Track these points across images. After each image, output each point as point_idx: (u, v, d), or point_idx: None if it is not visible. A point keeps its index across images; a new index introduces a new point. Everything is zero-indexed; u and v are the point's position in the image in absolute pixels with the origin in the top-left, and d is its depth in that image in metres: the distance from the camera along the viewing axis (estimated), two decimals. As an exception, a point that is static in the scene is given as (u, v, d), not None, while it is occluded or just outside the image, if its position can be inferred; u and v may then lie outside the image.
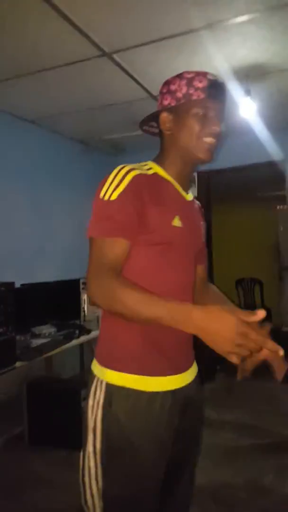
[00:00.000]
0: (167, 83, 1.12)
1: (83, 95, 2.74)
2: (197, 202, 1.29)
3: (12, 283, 2.03)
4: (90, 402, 1.01)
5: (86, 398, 1.05)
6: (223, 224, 5.13)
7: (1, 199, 2.87)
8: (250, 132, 3.30)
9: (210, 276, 3.92)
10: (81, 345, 3.12)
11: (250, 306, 6.07)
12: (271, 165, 3.67)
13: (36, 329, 2.62)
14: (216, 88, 1.07)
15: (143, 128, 1.22)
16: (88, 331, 2.74)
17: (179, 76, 1.09)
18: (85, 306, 2.96)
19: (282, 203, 4.25)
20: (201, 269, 1.27)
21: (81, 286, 3.01)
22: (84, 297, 2.97)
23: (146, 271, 1.02)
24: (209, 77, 1.06)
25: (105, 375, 1.00)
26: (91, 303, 0.98)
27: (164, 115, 1.10)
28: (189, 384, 1.08)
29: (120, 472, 0.96)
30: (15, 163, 3.02)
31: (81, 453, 1.02)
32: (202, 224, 1.26)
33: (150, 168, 1.11)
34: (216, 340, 0.81)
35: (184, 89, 1.07)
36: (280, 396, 3.34)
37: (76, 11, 1.81)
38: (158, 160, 1.14)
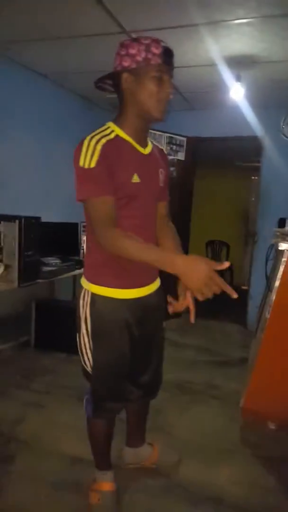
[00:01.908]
0: (124, 46, 1.26)
1: (97, 60, 3.12)
2: (161, 149, 1.53)
3: (39, 218, 2.56)
4: (81, 302, 1.45)
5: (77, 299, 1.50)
6: (201, 188, 5.58)
7: (16, 146, 3.26)
8: (236, 108, 3.81)
9: (186, 235, 4.53)
10: (74, 277, 3.71)
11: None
12: (251, 139, 4.21)
13: (45, 259, 3.17)
14: (169, 55, 1.25)
15: (98, 85, 1.40)
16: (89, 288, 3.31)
17: (136, 40, 1.23)
18: (84, 246, 3.52)
19: (257, 174, 4.73)
20: (162, 206, 1.54)
21: (81, 228, 3.56)
22: (83, 238, 3.51)
23: (118, 218, 1.30)
24: (163, 44, 1.23)
25: (91, 287, 1.42)
26: (105, 248, 1.30)
27: (126, 75, 1.27)
28: (149, 294, 1.47)
29: (102, 345, 1.44)
30: (27, 113, 3.36)
31: (77, 334, 1.49)
32: (161, 170, 1.45)
33: (112, 131, 1.32)
34: (191, 280, 1.09)
35: (143, 54, 1.22)
36: (232, 332, 4.20)
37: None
38: (118, 120, 1.34)
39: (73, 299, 3.92)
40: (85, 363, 1.51)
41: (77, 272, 3.19)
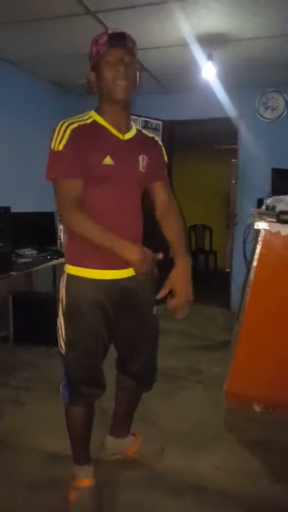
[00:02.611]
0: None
1: (64, 45, 3.02)
2: (151, 137, 1.55)
3: (9, 208, 2.46)
4: (60, 285, 1.49)
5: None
6: (182, 173, 5.54)
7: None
8: (210, 90, 3.73)
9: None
10: (54, 267, 3.62)
11: (201, 249, 6.76)
12: (226, 121, 4.15)
13: (20, 251, 3.07)
14: (116, 38, 1.32)
15: (87, 90, 1.50)
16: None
17: (92, 41, 1.36)
18: (61, 235, 3.43)
19: (235, 157, 4.75)
20: (158, 187, 1.56)
21: (57, 217, 3.46)
22: (60, 227, 3.42)
23: (91, 201, 1.38)
24: (109, 31, 1.34)
25: (67, 269, 1.47)
26: (65, 229, 1.46)
27: (91, 75, 1.40)
28: (129, 278, 1.45)
29: (74, 323, 1.45)
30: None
31: (57, 319, 1.51)
32: (143, 156, 1.47)
33: (90, 117, 1.41)
34: (140, 267, 1.36)
35: (94, 49, 1.35)
36: (216, 316, 4.18)
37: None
38: (97, 109, 1.44)
39: (53, 291, 3.84)
40: (60, 346, 1.51)
41: (55, 262, 3.11)
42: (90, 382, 1.51)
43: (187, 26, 2.65)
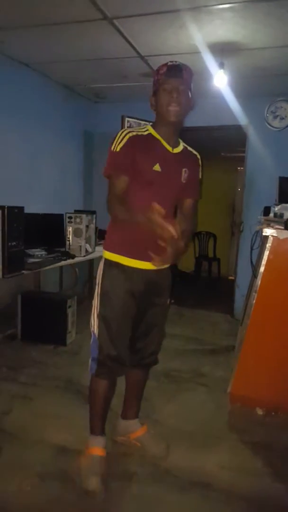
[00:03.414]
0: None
1: (79, 49, 3.09)
2: (194, 154, 1.79)
3: (22, 208, 2.51)
4: (98, 270, 1.73)
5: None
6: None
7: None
8: (221, 97, 3.80)
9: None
10: (61, 268, 3.68)
11: (204, 256, 6.79)
12: (235, 129, 4.21)
13: (30, 251, 3.12)
14: (174, 70, 1.59)
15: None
16: (73, 256, 3.28)
17: (155, 70, 1.64)
18: (70, 237, 3.48)
19: (242, 165, 4.77)
20: (187, 202, 1.80)
21: (66, 220, 3.51)
22: (69, 228, 3.47)
23: (138, 198, 1.60)
24: (169, 63, 1.60)
25: (104, 254, 1.72)
26: (111, 217, 1.68)
27: (151, 99, 1.67)
28: (152, 270, 1.66)
29: (107, 304, 1.68)
30: (8, 103, 3.29)
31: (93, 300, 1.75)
32: (186, 169, 1.72)
33: (146, 130, 1.67)
34: (168, 241, 1.39)
35: (155, 77, 1.63)
36: (219, 322, 4.21)
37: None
38: (153, 125, 1.70)
39: (60, 291, 3.89)
40: (91, 325, 1.73)
41: (63, 263, 3.16)
42: (116, 357, 1.69)
43: (200, 35, 2.72)
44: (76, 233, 3.28)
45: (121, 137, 1.59)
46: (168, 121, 1.62)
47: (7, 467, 1.78)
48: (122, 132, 1.61)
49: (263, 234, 2.23)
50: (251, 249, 2.57)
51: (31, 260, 2.99)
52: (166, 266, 1.76)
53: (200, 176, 1.82)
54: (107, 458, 1.76)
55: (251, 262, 2.57)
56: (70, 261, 3.22)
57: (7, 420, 2.14)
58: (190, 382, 2.73)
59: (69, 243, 3.49)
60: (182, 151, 1.73)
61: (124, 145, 1.57)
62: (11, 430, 2.05)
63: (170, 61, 1.61)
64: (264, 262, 2.22)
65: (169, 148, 1.67)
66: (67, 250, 3.42)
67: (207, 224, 6.84)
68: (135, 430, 1.96)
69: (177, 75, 1.59)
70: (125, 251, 1.66)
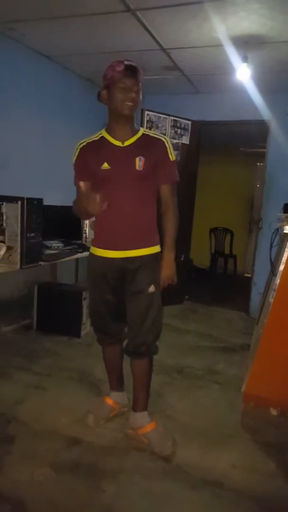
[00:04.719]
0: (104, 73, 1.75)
1: (101, 42, 3.07)
2: (157, 139, 1.82)
3: (41, 199, 2.52)
4: None
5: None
6: (205, 174, 5.52)
7: (17, 127, 3.23)
8: (241, 91, 3.73)
9: (189, 222, 4.49)
10: (77, 260, 3.69)
11: (220, 253, 6.73)
12: (256, 124, 4.13)
13: (47, 243, 3.14)
14: (130, 70, 1.69)
15: (98, 99, 1.84)
16: (89, 249, 3.28)
17: (109, 66, 1.73)
18: (87, 230, 3.48)
19: (262, 161, 4.68)
20: (162, 188, 1.86)
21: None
22: (86, 221, 3.48)
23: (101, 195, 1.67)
24: (126, 63, 1.69)
25: (90, 248, 1.95)
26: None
27: (103, 92, 1.77)
28: (119, 258, 1.82)
29: (90, 286, 2.02)
30: (31, 95, 3.32)
31: None
32: (140, 157, 1.77)
33: (100, 134, 1.84)
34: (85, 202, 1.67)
35: (110, 73, 1.72)
36: (234, 319, 4.16)
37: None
38: (106, 126, 1.84)
39: (75, 283, 3.90)
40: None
41: (79, 255, 3.17)
42: (99, 329, 2.03)
43: (224, 27, 2.66)
44: (93, 226, 3.28)
45: (75, 150, 1.86)
46: (121, 113, 1.74)
47: (20, 456, 1.79)
48: (76, 145, 1.85)
49: (284, 231, 2.18)
50: (271, 246, 2.52)
51: (48, 251, 3.02)
52: (139, 254, 1.84)
53: (171, 158, 1.83)
54: (115, 455, 1.77)
55: (270, 260, 2.52)
56: (86, 253, 3.22)
57: (21, 409, 2.17)
58: (203, 379, 2.71)
59: (86, 235, 3.50)
60: (137, 140, 1.81)
61: (77, 157, 1.86)
62: (24, 419, 2.07)
63: (126, 60, 1.70)
64: (284, 260, 2.18)
65: (118, 143, 1.79)
66: (83, 242, 3.43)
67: (224, 220, 6.77)
68: (143, 425, 1.95)
69: (133, 76, 1.70)
70: (98, 242, 1.90)
